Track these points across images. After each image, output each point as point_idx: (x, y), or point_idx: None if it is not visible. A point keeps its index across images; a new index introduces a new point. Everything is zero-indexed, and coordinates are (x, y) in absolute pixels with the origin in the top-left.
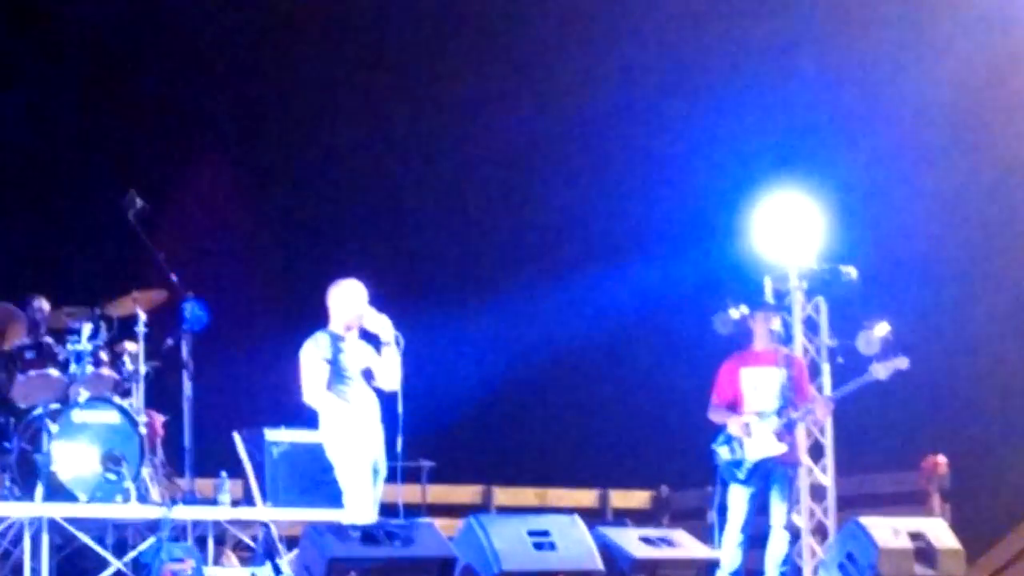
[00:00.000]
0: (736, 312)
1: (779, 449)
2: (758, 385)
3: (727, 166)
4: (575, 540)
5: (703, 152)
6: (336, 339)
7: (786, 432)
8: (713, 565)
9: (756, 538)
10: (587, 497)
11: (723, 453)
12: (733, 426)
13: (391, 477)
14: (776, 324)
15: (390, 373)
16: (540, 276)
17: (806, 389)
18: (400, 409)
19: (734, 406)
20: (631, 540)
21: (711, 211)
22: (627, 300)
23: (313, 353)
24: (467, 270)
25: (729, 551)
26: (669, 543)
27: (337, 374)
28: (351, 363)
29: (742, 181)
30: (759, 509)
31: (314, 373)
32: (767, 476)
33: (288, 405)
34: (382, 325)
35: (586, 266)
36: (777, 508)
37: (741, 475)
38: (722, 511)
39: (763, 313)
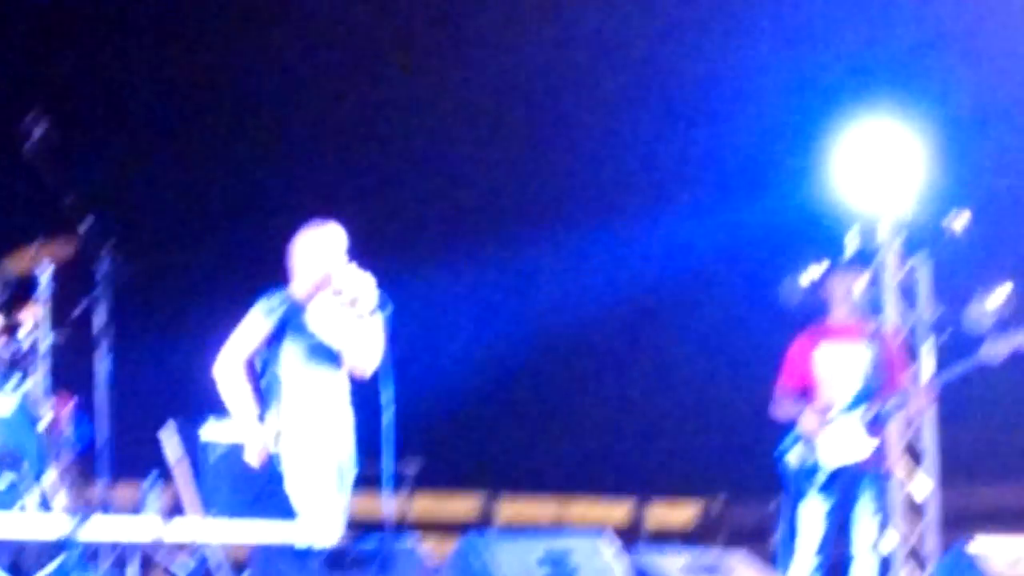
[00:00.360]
0: (812, 274)
1: (866, 451)
2: (838, 367)
3: (800, 89)
4: (602, 567)
5: (769, 71)
6: (293, 304)
7: (874, 430)
8: None
9: (835, 567)
10: (619, 511)
11: (793, 457)
12: (806, 422)
13: (365, 483)
14: (860, 289)
15: (367, 351)
16: (562, 228)
17: (899, 374)
18: (384, 399)
19: (807, 395)
20: (674, 567)
21: (779, 146)
22: (671, 259)
23: (256, 315)
24: (468, 220)
25: None
26: (722, 571)
27: (297, 349)
28: (316, 335)
29: (820, 108)
30: (839, 529)
31: (241, 333)
32: (850, 487)
33: None
34: (362, 287)
35: (620, 217)
36: (863, 528)
37: (818, 485)
38: (791, 531)
39: (843, 274)
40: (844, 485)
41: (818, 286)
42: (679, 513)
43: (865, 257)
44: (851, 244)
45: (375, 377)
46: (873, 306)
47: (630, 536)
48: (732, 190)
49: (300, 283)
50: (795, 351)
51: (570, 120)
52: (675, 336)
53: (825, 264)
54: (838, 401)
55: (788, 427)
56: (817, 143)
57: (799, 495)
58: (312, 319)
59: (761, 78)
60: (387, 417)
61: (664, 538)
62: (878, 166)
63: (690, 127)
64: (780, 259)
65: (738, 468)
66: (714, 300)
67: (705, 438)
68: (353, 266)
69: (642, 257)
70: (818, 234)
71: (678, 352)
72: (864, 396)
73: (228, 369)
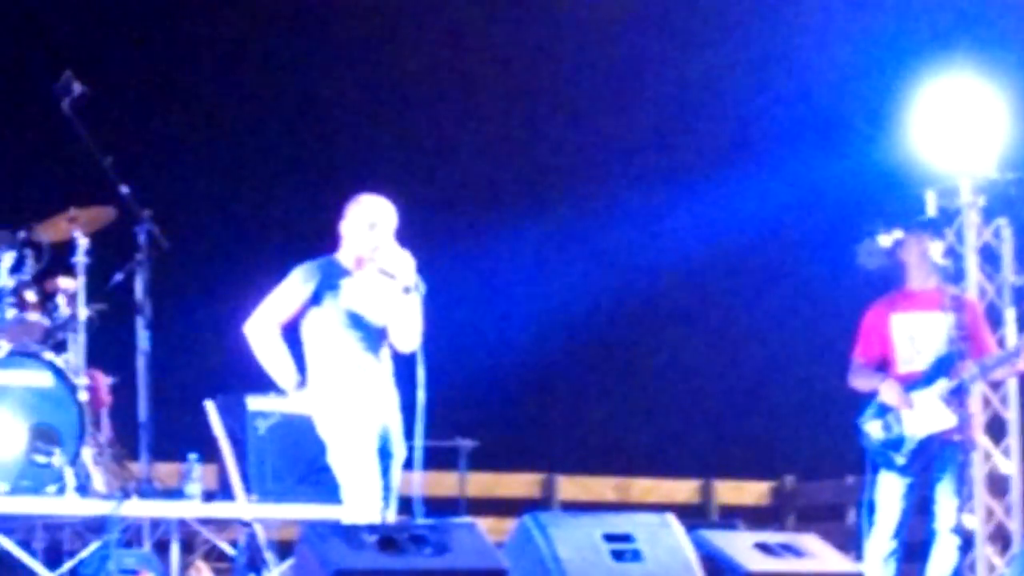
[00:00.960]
0: (888, 238)
1: (949, 423)
2: (916, 336)
3: (876, 41)
4: (668, 548)
5: (847, 26)
6: (338, 271)
7: (955, 401)
8: None
9: (913, 546)
10: (684, 490)
11: (874, 430)
12: (887, 392)
13: (424, 462)
14: (938, 254)
15: (408, 329)
16: (621, 191)
17: (984, 341)
18: (420, 373)
19: (884, 366)
20: (744, 548)
21: (854, 102)
22: (739, 222)
23: (295, 279)
24: (520, 182)
25: (877, 563)
26: (795, 552)
27: (338, 319)
28: (358, 307)
29: (896, 62)
30: (918, 506)
31: (277, 300)
32: (932, 460)
33: None
34: (400, 266)
35: (684, 177)
36: (945, 505)
37: (900, 459)
38: (869, 509)
39: (920, 237)
40: (926, 458)
41: (894, 250)
42: (748, 491)
43: (944, 220)
44: (930, 206)
45: (425, 353)
46: (953, 272)
47: (697, 515)
48: (809, 149)
49: (347, 251)
50: (871, 320)
51: (639, 77)
52: (744, 307)
53: (898, 231)
54: (918, 369)
55: (867, 399)
56: (896, 100)
57: (879, 468)
58: (356, 289)
59: (838, 33)
60: (420, 396)
61: (732, 517)
62: (959, 124)
63: (764, 85)
64: (857, 221)
65: (810, 445)
66: (785, 267)
67: (775, 414)
68: (396, 245)
69: (711, 222)
70: (897, 195)
71: (748, 324)
72: (944, 366)
73: (261, 328)
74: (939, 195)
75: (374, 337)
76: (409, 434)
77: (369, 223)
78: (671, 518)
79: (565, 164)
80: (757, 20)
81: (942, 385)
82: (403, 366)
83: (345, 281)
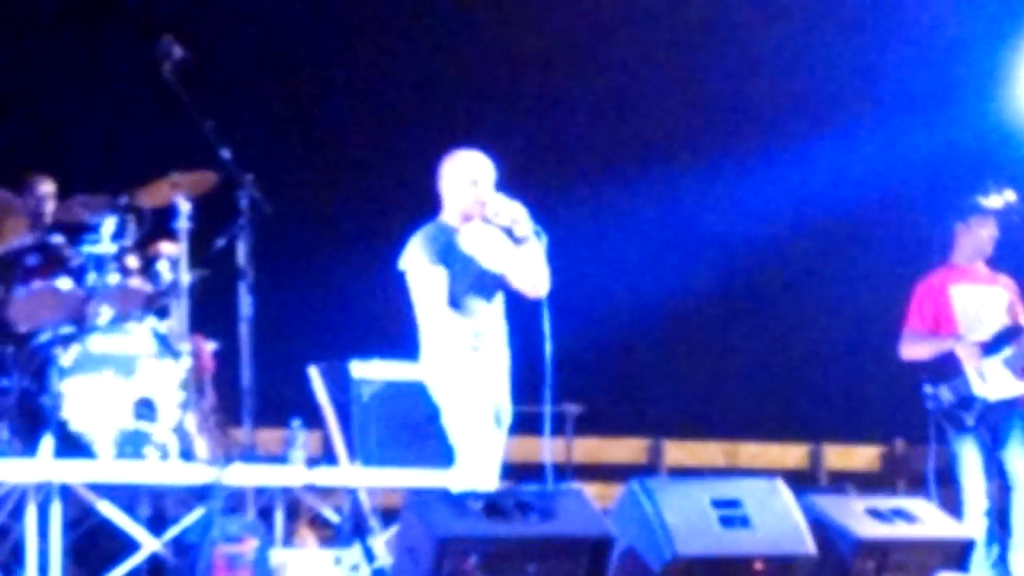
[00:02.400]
0: (999, 199)
1: (1020, 388)
2: (979, 307)
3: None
4: (777, 514)
5: None
6: (448, 233)
7: (1020, 371)
8: (968, 547)
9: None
10: (793, 455)
11: (943, 392)
12: (965, 351)
13: (524, 426)
14: (991, 235)
15: (534, 275)
16: (726, 151)
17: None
18: (547, 327)
19: (937, 336)
20: (854, 513)
21: (960, 62)
22: (845, 183)
23: (420, 257)
24: (629, 144)
25: (978, 523)
26: (907, 517)
27: (454, 285)
28: (470, 265)
29: (1005, 24)
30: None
31: (428, 284)
32: (1000, 425)
33: (382, 329)
34: (514, 215)
35: (791, 139)
36: (1020, 466)
37: (970, 420)
38: (938, 480)
39: (968, 221)
40: (993, 420)
41: (1004, 212)
42: (858, 456)
43: None
44: None
45: (531, 315)
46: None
47: (806, 481)
48: (916, 111)
49: (451, 210)
50: (926, 291)
51: (743, 40)
52: (851, 269)
53: (1010, 192)
54: (982, 341)
55: (930, 367)
56: (1005, 63)
57: (949, 432)
58: (467, 245)
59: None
60: (547, 350)
61: (842, 482)
62: None
63: (869, 43)
64: (966, 183)
65: (921, 408)
66: (891, 228)
67: (884, 378)
68: (503, 196)
69: (817, 184)
70: (1005, 156)
71: (855, 287)
72: (1008, 336)
73: (441, 317)
74: None
75: (490, 294)
76: (533, 397)
77: (470, 179)
78: (780, 483)
79: (672, 133)
80: None
81: (1007, 353)
82: (518, 324)
83: (457, 238)
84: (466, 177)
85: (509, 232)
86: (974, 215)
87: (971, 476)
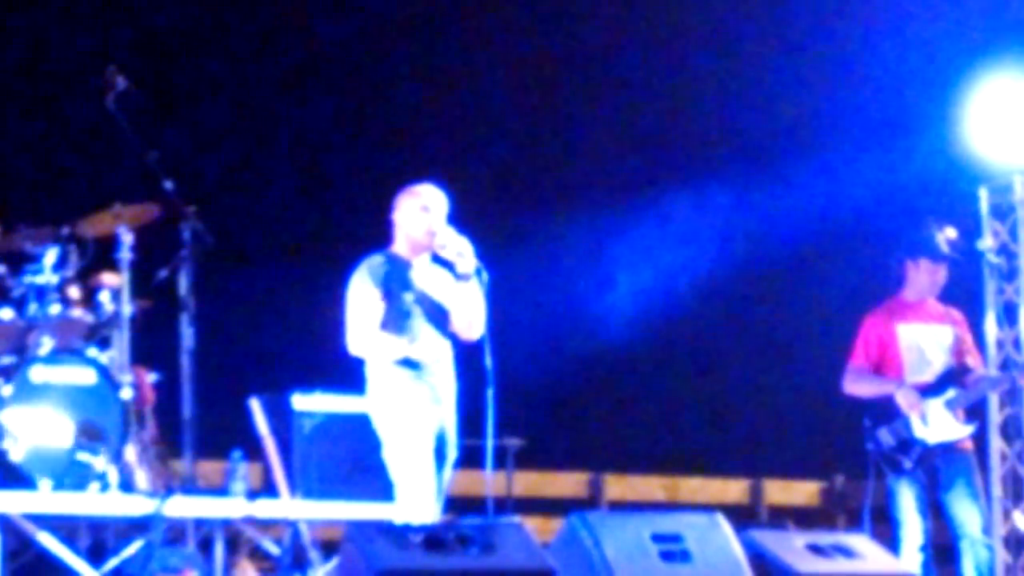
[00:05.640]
0: (941, 235)
1: (961, 432)
2: (924, 346)
3: (932, 40)
4: (717, 548)
5: (901, 23)
6: (397, 264)
7: (959, 411)
8: None
9: (941, 549)
10: (734, 490)
11: (883, 434)
12: (905, 397)
13: (465, 459)
14: (941, 277)
15: (471, 315)
16: (670, 188)
17: (976, 356)
18: (488, 362)
19: (879, 373)
20: (794, 549)
21: (909, 101)
22: (788, 219)
23: (363, 284)
24: (574, 175)
25: (914, 558)
26: (846, 553)
27: (396, 313)
28: (423, 297)
29: (952, 61)
30: (934, 510)
31: (363, 311)
32: (939, 470)
33: (325, 361)
34: (460, 250)
35: (735, 175)
36: (964, 514)
37: (908, 463)
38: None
39: (916, 260)
40: (932, 465)
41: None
42: (799, 491)
43: (999, 215)
44: (983, 203)
45: (475, 349)
46: (1008, 270)
47: (746, 516)
48: (862, 147)
49: (402, 241)
50: (872, 327)
51: (691, 76)
52: (795, 302)
53: (951, 229)
54: (925, 381)
55: (872, 406)
56: (951, 99)
57: (886, 473)
58: (415, 278)
59: (895, 34)
60: (489, 389)
61: (782, 517)
62: (1013, 122)
63: (823, 83)
64: (908, 218)
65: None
66: (836, 264)
67: (826, 412)
68: (452, 230)
69: (761, 224)
70: (948, 193)
71: (799, 320)
72: (951, 377)
73: (369, 343)
74: (993, 192)
75: (437, 326)
76: (475, 431)
77: (421, 206)
78: (720, 518)
79: (612, 167)
80: (818, 22)
81: (950, 395)
82: (462, 358)
83: (407, 272)
84: (418, 205)
85: (452, 268)
86: (924, 258)
87: (907, 514)
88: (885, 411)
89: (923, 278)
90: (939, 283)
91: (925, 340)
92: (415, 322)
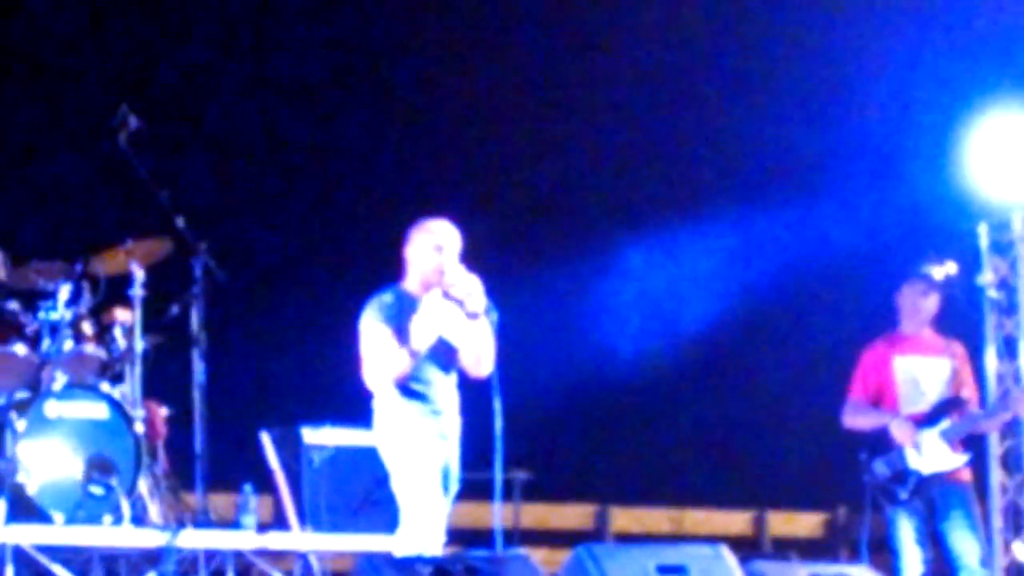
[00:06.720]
0: (941, 271)
1: (956, 462)
2: (919, 378)
3: (931, 77)
4: None
5: (900, 59)
6: (407, 300)
7: (956, 443)
8: None
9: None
10: (738, 522)
11: (879, 465)
12: (900, 430)
13: (473, 492)
14: (933, 305)
15: (480, 352)
16: (671, 223)
17: (973, 387)
18: (497, 404)
19: (877, 405)
20: None
21: (909, 138)
22: (791, 252)
23: (375, 320)
24: (575, 217)
25: None
26: None
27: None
28: (427, 334)
29: (951, 97)
30: (932, 540)
31: (379, 347)
32: (936, 501)
33: (334, 395)
34: (469, 289)
35: (738, 210)
36: (962, 544)
37: (904, 494)
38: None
39: (914, 286)
40: (928, 495)
41: (945, 283)
42: (802, 523)
43: (999, 251)
44: (983, 238)
45: (482, 385)
46: (1007, 305)
47: (750, 547)
48: (863, 184)
49: (413, 278)
50: (871, 360)
51: (685, 112)
52: (798, 338)
53: (952, 264)
54: (920, 412)
55: (870, 438)
56: (950, 135)
57: (883, 504)
58: (425, 314)
59: (894, 70)
60: (497, 425)
61: (786, 549)
62: (1012, 158)
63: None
64: (910, 254)
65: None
66: (837, 298)
67: (828, 446)
68: (462, 268)
69: (765, 256)
70: (948, 229)
71: (802, 356)
72: (947, 408)
73: (388, 379)
74: (992, 228)
75: (445, 363)
76: (483, 463)
77: (435, 245)
78: (724, 550)
79: (618, 205)
80: (817, 60)
81: (945, 425)
82: (467, 396)
83: (415, 307)
84: (431, 243)
85: (461, 305)
86: (908, 281)
87: (906, 545)
88: (880, 443)
89: (907, 302)
90: (928, 309)
91: (921, 372)
92: (423, 359)
